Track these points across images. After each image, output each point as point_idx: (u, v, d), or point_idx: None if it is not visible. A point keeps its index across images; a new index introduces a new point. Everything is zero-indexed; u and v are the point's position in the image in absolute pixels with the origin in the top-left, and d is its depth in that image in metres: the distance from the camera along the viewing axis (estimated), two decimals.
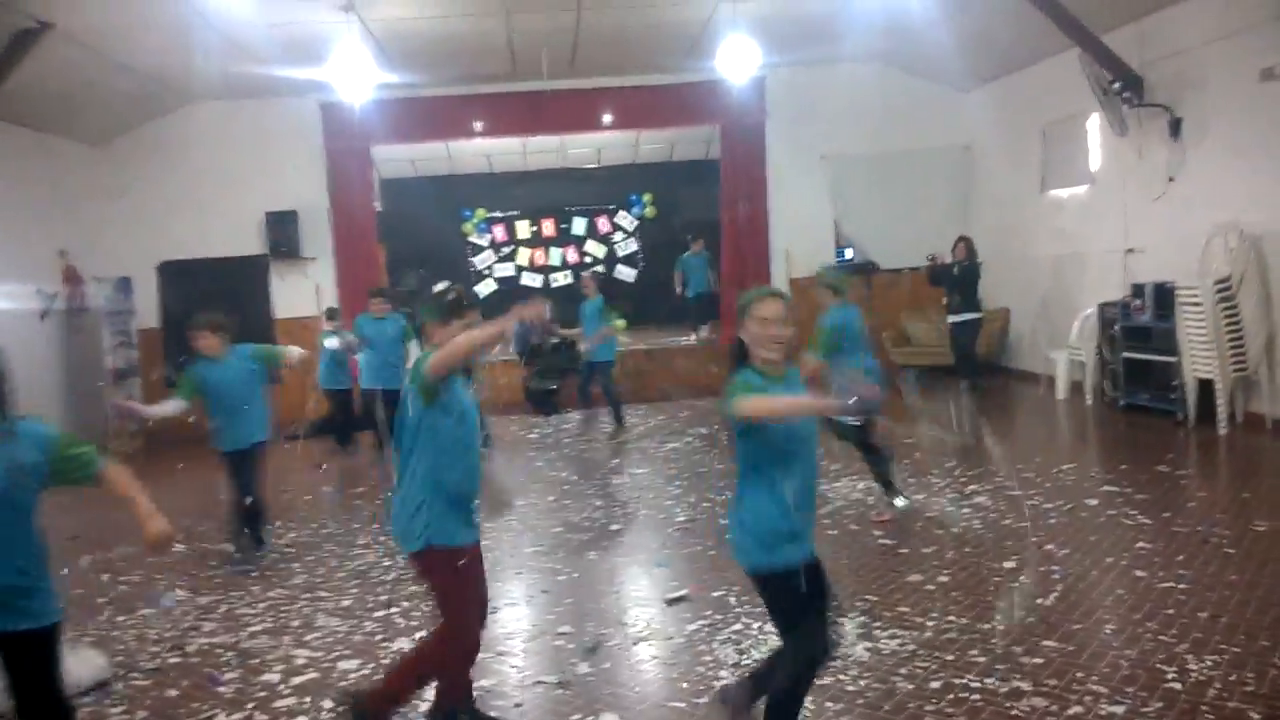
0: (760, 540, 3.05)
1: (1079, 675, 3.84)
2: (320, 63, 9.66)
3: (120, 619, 5.24)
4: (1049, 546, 5.44)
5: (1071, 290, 10.61)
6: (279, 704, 4.09)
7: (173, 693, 4.27)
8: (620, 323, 16.70)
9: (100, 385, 10.75)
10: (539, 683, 4.15)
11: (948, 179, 12.71)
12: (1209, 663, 3.83)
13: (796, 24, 10.48)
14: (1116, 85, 8.84)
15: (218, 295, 11.84)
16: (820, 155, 12.54)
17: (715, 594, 5.02)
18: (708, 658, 4.25)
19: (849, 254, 13.20)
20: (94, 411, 10.66)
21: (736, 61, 9.92)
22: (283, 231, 11.83)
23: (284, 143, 11.91)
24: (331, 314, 10.26)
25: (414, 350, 8.67)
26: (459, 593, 3.49)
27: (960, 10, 9.66)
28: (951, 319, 10.87)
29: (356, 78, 9.40)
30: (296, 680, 4.32)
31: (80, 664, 4.25)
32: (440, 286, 4.06)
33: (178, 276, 11.92)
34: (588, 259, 17.76)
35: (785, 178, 12.65)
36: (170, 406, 5.82)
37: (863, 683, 3.90)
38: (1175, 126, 8.59)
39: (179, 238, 11.79)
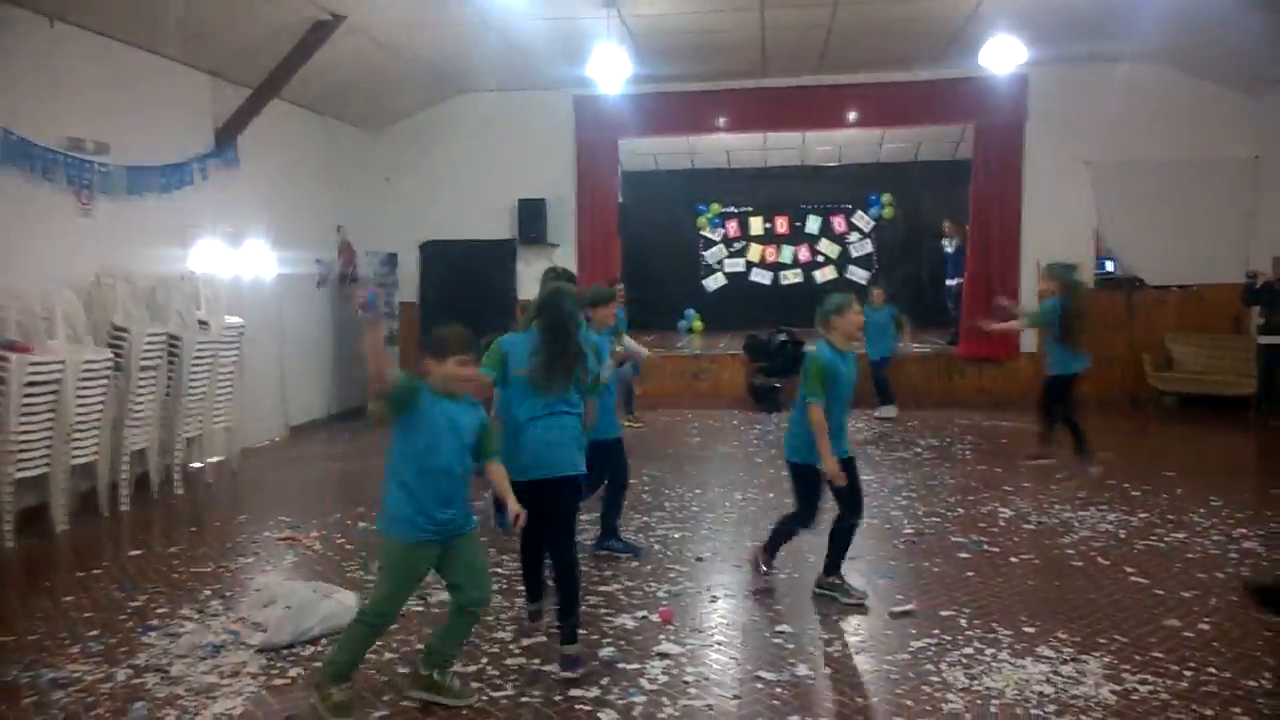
0: None
1: None
2: (578, 57, 10.08)
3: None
4: None
5: None
6: (509, 661, 4.31)
7: (415, 639, 4.57)
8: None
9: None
10: (758, 678, 4.14)
11: (1230, 192, 11.50)
12: None
13: (1068, 19, 9.83)
14: None
15: (469, 275, 12.75)
16: (1084, 160, 11.69)
17: (944, 613, 4.82)
18: (935, 678, 4.07)
19: (1109, 266, 12.28)
20: (357, 370, 11.77)
21: (999, 58, 9.45)
22: (532, 218, 12.44)
23: (538, 134, 12.51)
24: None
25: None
26: None
27: (1263, 6, 8.71)
28: (1263, 339, 10.22)
29: (612, 72, 9.74)
30: (527, 641, 4.54)
31: (336, 606, 4.65)
32: None
33: (436, 255, 12.82)
34: (820, 258, 17.52)
35: (1043, 182, 11.90)
36: None
37: None
38: None
39: (439, 219, 12.70)
